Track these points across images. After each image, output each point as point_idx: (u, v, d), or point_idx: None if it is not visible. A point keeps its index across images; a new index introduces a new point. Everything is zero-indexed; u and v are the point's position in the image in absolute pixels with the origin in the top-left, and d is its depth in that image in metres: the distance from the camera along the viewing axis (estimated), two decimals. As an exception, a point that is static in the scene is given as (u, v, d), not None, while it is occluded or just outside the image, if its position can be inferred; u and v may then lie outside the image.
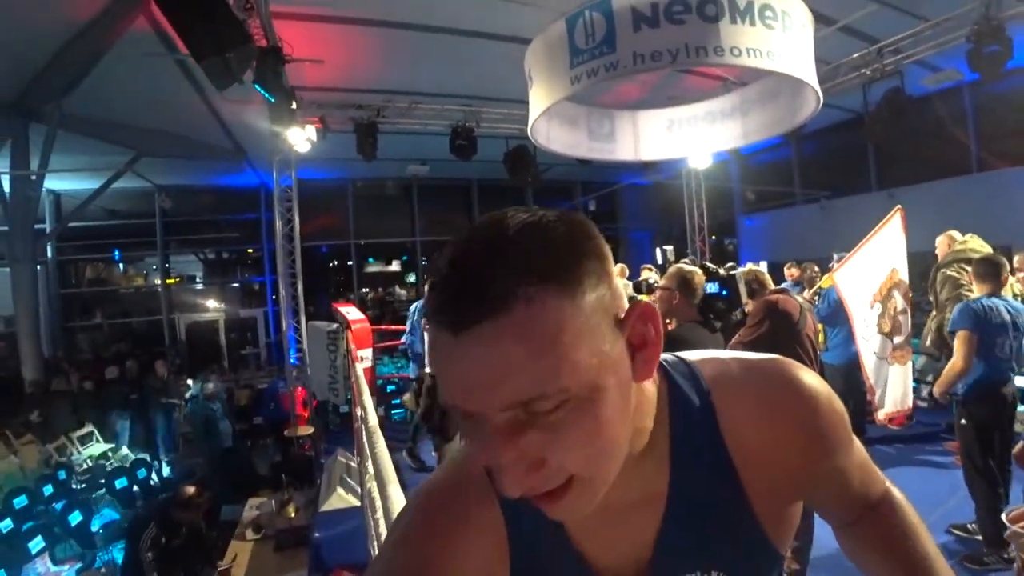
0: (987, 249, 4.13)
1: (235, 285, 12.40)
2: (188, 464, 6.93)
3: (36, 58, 5.23)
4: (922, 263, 4.94)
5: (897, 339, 4.00)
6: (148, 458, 6.53)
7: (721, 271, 2.79)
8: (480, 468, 0.54)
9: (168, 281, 11.02)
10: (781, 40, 3.45)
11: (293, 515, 4.21)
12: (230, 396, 8.64)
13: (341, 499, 3.93)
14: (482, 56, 5.94)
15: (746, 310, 2.96)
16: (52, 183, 8.51)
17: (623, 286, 2.68)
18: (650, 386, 0.57)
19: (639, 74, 4.32)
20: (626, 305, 0.49)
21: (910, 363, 3.94)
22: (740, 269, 3.04)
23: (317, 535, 3.44)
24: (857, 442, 0.66)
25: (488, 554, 0.58)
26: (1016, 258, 2.71)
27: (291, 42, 4.37)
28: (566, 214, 0.48)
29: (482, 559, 0.57)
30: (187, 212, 10.71)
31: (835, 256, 5.45)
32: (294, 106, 4.91)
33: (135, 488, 5.63)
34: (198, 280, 12.11)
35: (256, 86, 4.12)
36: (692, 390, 0.59)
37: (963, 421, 3.11)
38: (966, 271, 4.18)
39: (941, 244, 4.67)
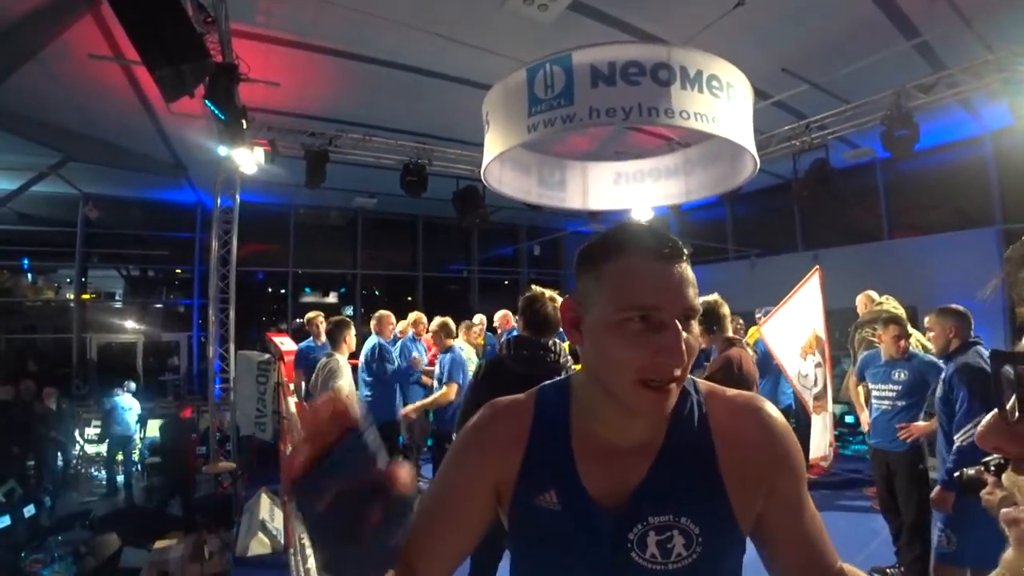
0: (901, 310, 4.52)
1: (158, 306, 11.61)
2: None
3: (-39, 49, 4.86)
4: (841, 319, 5.31)
5: (815, 390, 4.25)
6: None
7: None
8: (527, 398, 0.87)
9: (84, 296, 10.17)
10: (725, 108, 3.71)
11: (207, 560, 3.87)
12: (142, 426, 7.98)
13: (262, 544, 3.66)
14: (439, 96, 6.03)
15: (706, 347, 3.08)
16: (-41, 180, 7.80)
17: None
18: None
19: (592, 128, 4.52)
20: None
21: (826, 413, 4.19)
22: (703, 300, 3.15)
23: (233, 583, 3.18)
24: (813, 505, 0.83)
25: (503, 471, 0.81)
26: (926, 318, 3.00)
27: (247, 61, 4.29)
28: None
29: (496, 474, 0.82)
30: (113, 224, 9.97)
31: (758, 310, 5.80)
32: (244, 126, 4.77)
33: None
34: (117, 298, 11.24)
35: (207, 102, 3.99)
36: (691, 389, 0.83)
37: (920, 466, 3.35)
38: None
39: (860, 303, 5.08)
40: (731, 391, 0.86)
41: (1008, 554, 0.35)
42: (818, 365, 4.19)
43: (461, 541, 0.83)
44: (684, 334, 0.70)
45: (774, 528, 0.80)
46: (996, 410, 0.37)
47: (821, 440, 4.21)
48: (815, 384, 4.15)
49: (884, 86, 5.33)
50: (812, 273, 4.26)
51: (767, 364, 5.14)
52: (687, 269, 0.73)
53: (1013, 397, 0.38)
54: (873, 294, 5.13)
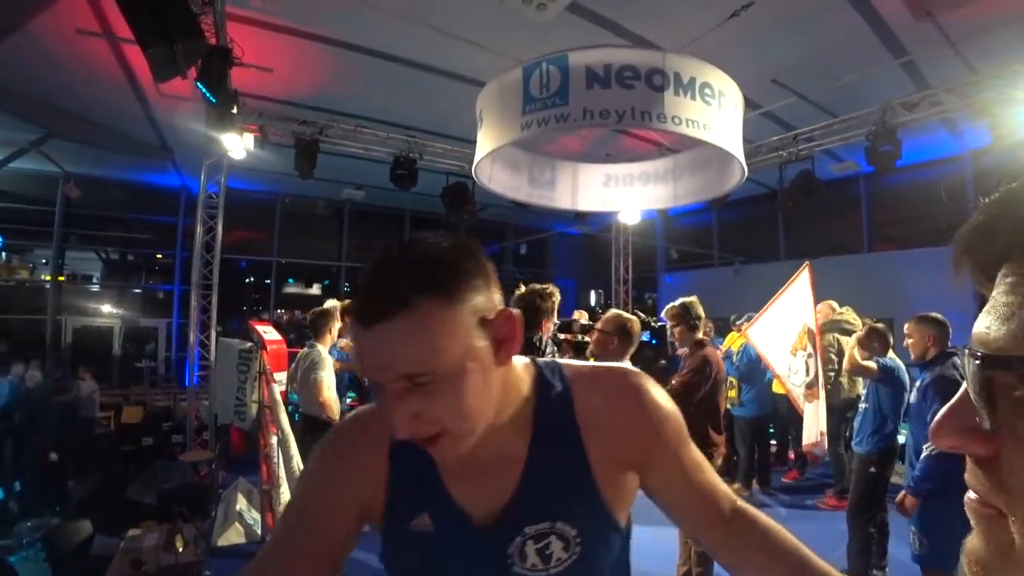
0: (858, 322, 4.68)
1: (137, 291, 11.40)
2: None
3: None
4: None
5: (807, 379, 4.34)
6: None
7: (652, 322, 2.93)
8: (377, 422, 0.78)
9: (60, 278, 9.95)
10: (716, 115, 3.77)
11: (181, 550, 3.82)
12: (118, 412, 7.85)
13: (239, 533, 3.62)
14: (432, 90, 6.02)
15: (675, 343, 3.15)
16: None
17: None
18: (523, 374, 0.78)
19: (584, 128, 4.56)
20: (497, 309, 0.68)
21: (819, 401, 4.28)
22: (684, 300, 3.24)
23: (208, 573, 3.15)
24: (698, 454, 0.84)
25: (366, 487, 0.77)
26: (905, 325, 3.07)
27: (241, 45, 4.23)
28: (460, 240, 0.68)
29: (359, 491, 0.77)
30: (93, 205, 9.75)
31: (735, 317, 5.91)
32: (235, 111, 4.72)
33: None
34: (95, 281, 11.02)
35: (199, 84, 3.94)
36: (557, 380, 0.80)
37: (872, 470, 3.41)
38: (838, 340, 4.91)
39: (821, 311, 5.24)
40: (601, 368, 0.84)
41: (971, 541, 0.36)
42: (809, 356, 4.28)
43: (320, 567, 0.75)
44: (402, 402, 0.62)
45: (661, 492, 0.82)
46: (948, 404, 0.36)
47: (813, 428, 4.32)
48: (807, 374, 4.25)
49: (870, 102, 5.45)
50: (802, 270, 4.34)
51: (753, 372, 5.22)
52: (400, 326, 0.60)
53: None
54: (835, 304, 5.29)
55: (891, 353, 3.61)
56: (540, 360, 0.83)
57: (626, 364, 0.89)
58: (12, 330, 9.73)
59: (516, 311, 0.69)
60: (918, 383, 2.95)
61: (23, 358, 7.39)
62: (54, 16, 4.61)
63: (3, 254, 10.40)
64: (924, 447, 2.74)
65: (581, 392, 0.79)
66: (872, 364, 3.48)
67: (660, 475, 0.80)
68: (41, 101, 6.27)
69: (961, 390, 0.37)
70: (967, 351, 0.35)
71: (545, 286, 2.78)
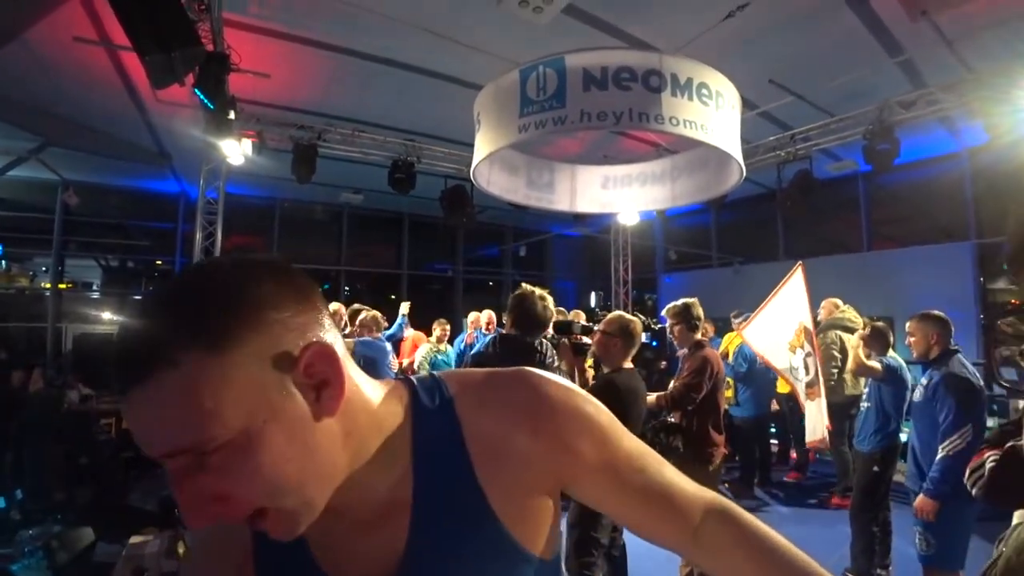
0: (860, 321, 4.69)
1: (137, 297, 11.40)
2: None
3: (-61, 29, 4.73)
4: (818, 327, 5.43)
5: (807, 378, 4.35)
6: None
7: (652, 324, 2.94)
8: None
9: (60, 286, 9.95)
10: (714, 116, 3.78)
11: (183, 556, 3.82)
12: (118, 419, 7.84)
13: (240, 537, 3.62)
14: (430, 93, 6.03)
15: (674, 343, 3.17)
16: (-66, 164, 7.58)
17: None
18: (391, 403, 0.63)
19: (582, 131, 4.56)
20: (302, 345, 0.53)
21: (820, 399, 4.29)
22: (686, 300, 3.26)
23: (209, 577, 3.13)
24: (643, 452, 0.70)
25: (234, 569, 0.65)
26: (907, 323, 3.06)
27: (238, 51, 4.25)
28: (240, 266, 0.54)
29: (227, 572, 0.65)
30: (93, 212, 9.76)
31: (735, 313, 5.91)
32: (233, 116, 4.73)
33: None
34: (95, 288, 11.02)
35: (196, 91, 3.94)
36: (436, 401, 0.65)
37: (875, 469, 3.40)
38: (841, 338, 4.89)
39: (825, 308, 5.26)
40: (495, 376, 0.69)
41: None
42: (808, 355, 4.29)
43: None
44: (189, 483, 0.49)
45: (602, 506, 0.70)
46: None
47: (817, 424, 4.33)
48: (807, 373, 4.26)
49: (867, 101, 5.46)
50: (795, 269, 4.36)
51: (750, 372, 5.24)
52: (156, 391, 0.47)
53: None
54: (838, 302, 5.31)
55: (891, 352, 3.62)
56: (416, 378, 0.69)
57: (516, 367, 0.70)
58: (12, 338, 9.73)
59: (330, 345, 0.55)
60: (923, 381, 2.91)
61: (24, 366, 7.40)
62: (51, 24, 4.62)
63: (3, 262, 10.39)
64: (940, 448, 2.66)
65: (468, 412, 0.64)
66: (877, 364, 3.48)
67: (590, 490, 0.68)
68: (39, 109, 6.27)
69: None
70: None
71: (535, 288, 2.77)
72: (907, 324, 3.04)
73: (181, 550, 3.91)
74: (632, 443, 0.69)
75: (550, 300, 2.69)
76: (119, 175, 9.27)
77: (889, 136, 5.37)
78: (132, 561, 3.89)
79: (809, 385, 4.30)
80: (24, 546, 4.93)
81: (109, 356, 0.50)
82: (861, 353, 3.53)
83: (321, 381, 0.54)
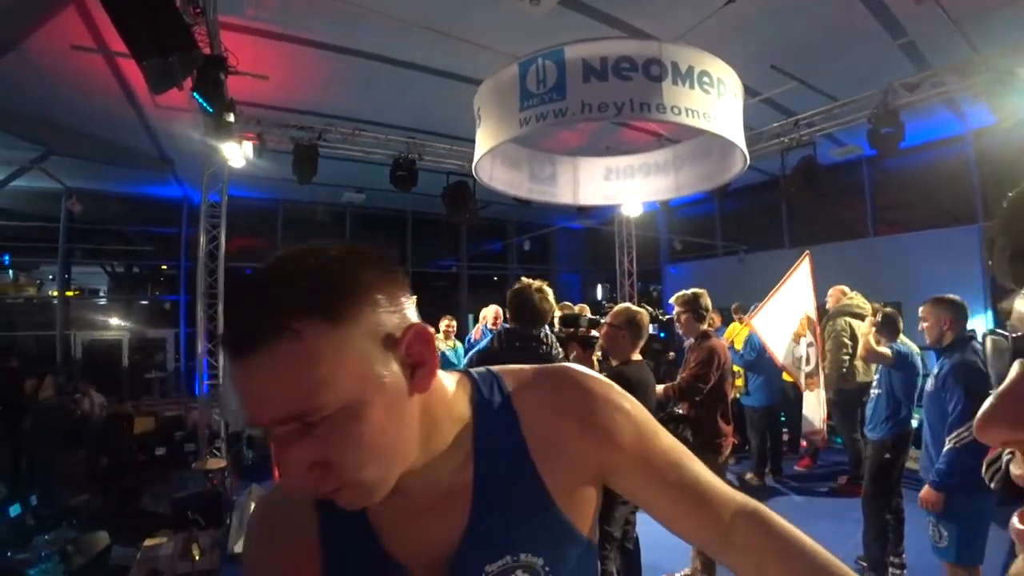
0: (867, 307, 4.66)
1: (144, 303, 11.46)
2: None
3: (-62, 40, 4.75)
4: (822, 313, 5.39)
5: (807, 368, 4.34)
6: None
7: (659, 315, 2.93)
8: None
9: (68, 293, 10.01)
10: (716, 104, 3.74)
11: (197, 558, 3.85)
12: (129, 423, 7.89)
13: (253, 539, 3.63)
14: (429, 90, 6.01)
15: (681, 332, 3.16)
16: (-62, 176, 7.63)
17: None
18: (457, 393, 0.68)
19: (583, 122, 4.54)
20: (406, 326, 0.58)
21: (819, 390, 4.28)
22: (695, 289, 3.25)
23: (224, 579, 3.16)
24: (678, 449, 0.73)
25: (298, 553, 0.67)
26: (920, 308, 2.98)
27: (236, 54, 4.24)
28: (350, 251, 0.58)
29: (293, 558, 0.67)
30: (96, 219, 9.80)
31: (736, 306, 5.89)
32: (232, 119, 4.72)
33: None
34: (101, 294, 11.08)
35: (195, 94, 3.94)
36: (496, 394, 0.71)
37: (886, 456, 3.38)
38: (851, 325, 4.82)
39: (833, 295, 5.22)
40: (544, 372, 0.74)
41: (1017, 566, 0.34)
42: (810, 345, 4.28)
43: None
44: (292, 449, 0.52)
45: (636, 497, 0.73)
46: (996, 392, 0.32)
47: (814, 414, 4.32)
48: (807, 363, 4.24)
49: (871, 84, 5.40)
50: (802, 259, 4.34)
51: (760, 360, 5.21)
52: (278, 357, 0.50)
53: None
54: (846, 289, 5.27)
55: (903, 338, 3.59)
56: (475, 371, 0.74)
57: (561, 364, 0.77)
58: (22, 347, 9.81)
59: (428, 328, 0.60)
60: (935, 370, 2.81)
61: (36, 374, 7.46)
62: (48, 34, 4.62)
63: (10, 272, 10.47)
64: (947, 439, 2.58)
65: (524, 405, 0.70)
66: (887, 351, 3.45)
67: (628, 481, 0.71)
68: (39, 119, 6.29)
69: (1012, 376, 0.33)
70: (1008, 331, 0.32)
71: (532, 281, 2.74)
72: (920, 309, 2.94)
73: (195, 552, 3.95)
74: (667, 439, 0.73)
75: (549, 292, 2.68)
76: (122, 181, 9.30)
77: (894, 120, 5.31)
78: (147, 564, 3.94)
79: (808, 375, 4.29)
80: (40, 551, 4.98)
81: (226, 320, 0.54)
82: (872, 339, 3.49)
83: (417, 360, 0.58)
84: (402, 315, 0.59)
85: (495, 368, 0.75)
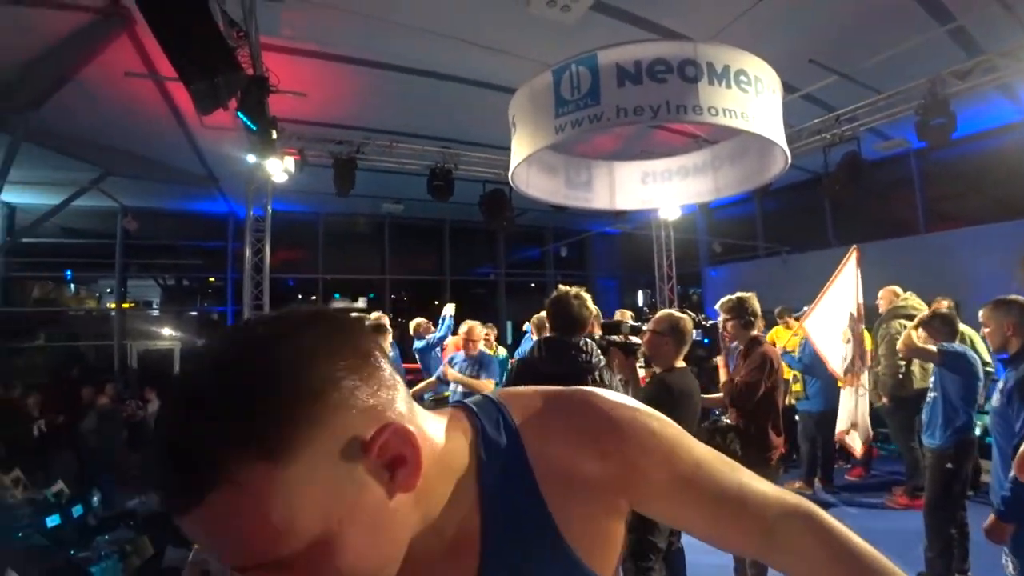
0: (924, 308, 4.40)
1: (193, 314, 11.94)
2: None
3: (5, 70, 5.07)
4: (874, 315, 5.17)
5: (845, 365, 4.16)
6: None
7: (702, 320, 2.86)
8: None
9: (124, 305, 10.52)
10: (754, 103, 3.66)
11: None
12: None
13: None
14: (463, 100, 6.08)
15: (727, 340, 3.07)
16: (8, 196, 8.13)
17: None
18: (456, 442, 0.61)
19: (618, 127, 4.51)
20: (377, 424, 0.49)
21: (862, 389, 4.07)
22: (740, 294, 3.17)
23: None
24: (708, 455, 0.67)
25: None
26: (980, 312, 2.76)
27: (276, 72, 4.38)
28: (285, 331, 0.48)
29: None
30: (149, 235, 10.29)
31: (779, 310, 5.71)
32: (274, 136, 4.88)
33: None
34: (154, 306, 11.61)
35: (239, 114, 4.09)
36: (501, 432, 0.63)
37: (948, 465, 3.20)
38: (904, 327, 4.51)
39: (884, 297, 4.97)
40: (551, 400, 0.66)
41: None
42: (848, 341, 4.09)
43: None
44: None
45: (670, 519, 0.68)
46: None
47: (850, 415, 4.09)
48: (846, 360, 4.06)
49: (917, 74, 5.17)
50: (850, 254, 4.16)
51: (816, 363, 5.01)
52: (218, 515, 0.43)
53: None
54: (898, 289, 5.01)
55: (977, 341, 3.34)
56: (474, 403, 0.67)
57: (573, 387, 0.68)
58: (84, 356, 10.36)
59: (406, 426, 0.51)
60: (1000, 383, 2.52)
61: (96, 382, 7.87)
62: (103, 63, 4.89)
63: (72, 286, 11.09)
64: (1015, 463, 2.24)
65: (532, 439, 0.63)
66: (931, 347, 3.23)
67: (663, 508, 0.65)
68: (96, 142, 6.65)
69: None
70: None
71: (570, 288, 2.71)
72: (980, 313, 2.66)
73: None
74: (701, 451, 0.67)
75: (587, 299, 2.65)
76: (172, 199, 9.75)
77: (944, 110, 5.08)
78: (198, 566, 4.08)
79: (845, 372, 4.11)
80: (101, 550, 5.23)
81: (153, 470, 0.45)
82: (914, 334, 3.27)
83: (396, 460, 0.50)
84: (370, 407, 0.49)
85: (502, 395, 0.68)
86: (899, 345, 3.46)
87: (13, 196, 8.42)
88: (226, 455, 0.42)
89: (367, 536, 0.48)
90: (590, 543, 0.62)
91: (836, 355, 4.27)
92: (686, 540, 3.01)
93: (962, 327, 3.74)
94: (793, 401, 5.33)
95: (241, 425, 0.43)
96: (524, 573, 0.61)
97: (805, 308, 4.82)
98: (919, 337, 3.30)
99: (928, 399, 3.42)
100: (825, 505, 4.73)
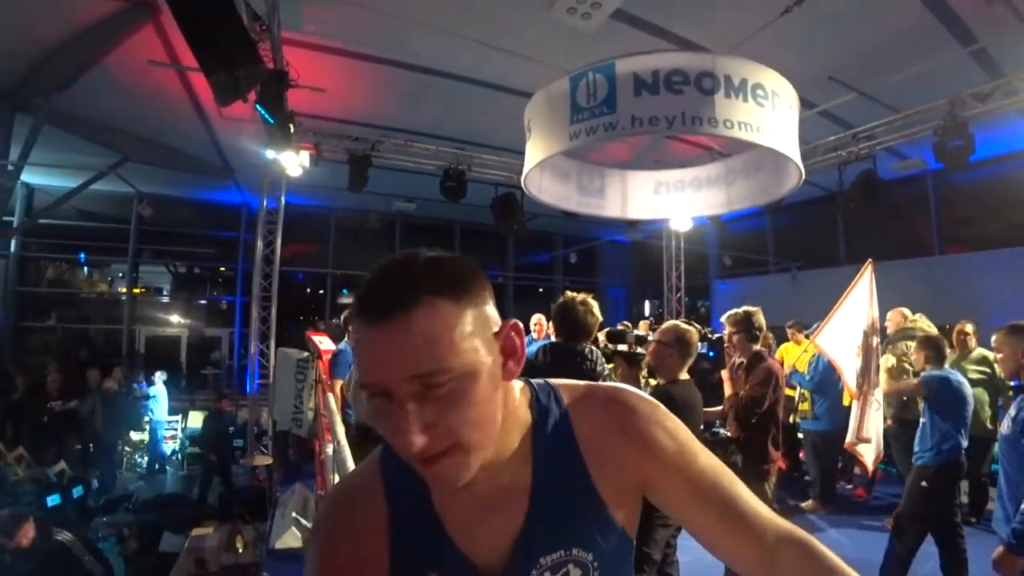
0: (932, 330, 4.33)
1: (202, 302, 12.04)
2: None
3: (32, 53, 5.16)
4: (882, 337, 5.10)
5: (857, 379, 4.10)
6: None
7: (708, 334, 2.85)
8: (370, 470, 0.76)
9: (135, 291, 10.63)
10: (770, 117, 3.64)
11: (241, 550, 3.98)
12: (183, 417, 8.29)
13: (295, 538, 3.73)
14: (479, 103, 6.10)
15: (731, 353, 3.06)
16: (28, 177, 8.26)
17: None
18: (520, 399, 0.75)
19: (633, 136, 4.50)
20: (499, 323, 0.66)
21: (876, 404, 4.01)
22: (747, 307, 3.16)
23: (267, 575, 3.26)
24: (722, 472, 0.76)
25: (368, 543, 0.72)
26: (992, 337, 2.70)
27: (295, 67, 4.43)
28: (462, 256, 0.67)
29: (363, 548, 0.71)
30: (163, 222, 10.38)
31: (791, 323, 5.66)
32: (291, 130, 4.92)
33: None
34: (164, 293, 11.71)
35: (258, 107, 4.13)
36: (553, 404, 0.77)
37: (923, 484, 3.14)
38: (910, 348, 4.44)
39: (893, 319, 4.90)
40: (595, 389, 0.81)
41: None
42: (859, 355, 4.05)
43: None
44: (415, 408, 0.58)
45: (675, 514, 0.78)
46: None
47: (858, 425, 4.03)
48: (857, 373, 4.02)
49: (937, 95, 5.14)
50: (865, 268, 4.12)
51: (826, 382, 4.95)
52: (415, 321, 0.57)
53: None
54: (907, 311, 4.94)
55: (992, 357, 3.25)
56: (535, 382, 0.80)
57: (614, 384, 0.83)
58: (94, 339, 10.48)
59: (519, 324, 0.68)
60: (1012, 411, 2.45)
61: (102, 364, 7.97)
62: (127, 51, 4.96)
63: (85, 269, 11.22)
64: None
65: (578, 415, 0.77)
66: (904, 383, 3.18)
67: (668, 496, 0.76)
68: (117, 128, 6.75)
69: None
70: None
71: (576, 295, 2.71)
72: (992, 338, 2.60)
73: (239, 545, 4.09)
74: (708, 459, 0.77)
75: (594, 306, 2.64)
76: (187, 187, 9.85)
77: (963, 132, 5.02)
78: (194, 552, 4.11)
79: (857, 385, 4.06)
80: (100, 531, 5.29)
81: (363, 294, 0.61)
82: (888, 375, 3.21)
83: (510, 351, 0.66)
84: (496, 313, 0.67)
85: (554, 382, 0.81)
86: (881, 390, 3.42)
87: (33, 177, 8.56)
88: (430, 287, 0.59)
89: (491, 390, 0.63)
90: (618, 502, 0.76)
91: (850, 368, 4.22)
92: (685, 560, 2.99)
93: (984, 351, 3.67)
94: (799, 419, 5.26)
95: (443, 275, 0.61)
96: (565, 517, 0.73)
97: (816, 325, 4.77)
98: (915, 360, 3.25)
99: (921, 423, 3.36)
100: (823, 524, 4.70)
